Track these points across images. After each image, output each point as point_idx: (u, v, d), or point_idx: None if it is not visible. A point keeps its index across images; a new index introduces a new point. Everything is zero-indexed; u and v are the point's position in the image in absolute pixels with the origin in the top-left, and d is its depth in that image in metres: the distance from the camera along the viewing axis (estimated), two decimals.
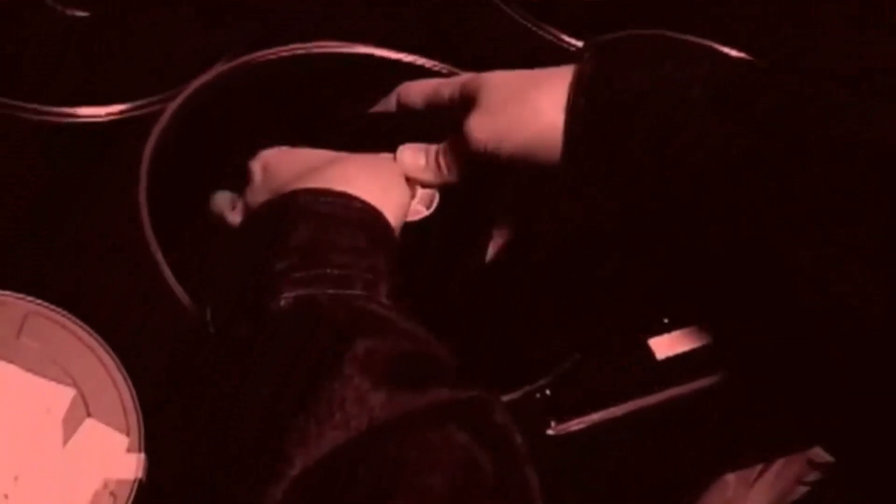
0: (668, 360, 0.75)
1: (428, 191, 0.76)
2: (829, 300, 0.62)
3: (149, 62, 0.88)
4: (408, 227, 0.74)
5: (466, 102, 0.70)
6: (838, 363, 0.63)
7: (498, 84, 0.69)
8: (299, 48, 0.88)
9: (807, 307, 0.64)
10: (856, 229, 0.60)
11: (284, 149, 0.71)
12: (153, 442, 0.65)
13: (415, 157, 0.72)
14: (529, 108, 0.66)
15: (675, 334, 0.75)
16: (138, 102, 0.84)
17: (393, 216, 0.64)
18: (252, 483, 0.48)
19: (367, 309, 0.55)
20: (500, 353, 0.70)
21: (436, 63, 0.91)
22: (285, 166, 0.68)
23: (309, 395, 0.49)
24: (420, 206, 0.76)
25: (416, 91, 0.75)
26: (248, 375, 0.54)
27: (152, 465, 0.64)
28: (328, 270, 0.56)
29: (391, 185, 0.68)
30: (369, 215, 0.61)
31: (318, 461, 0.47)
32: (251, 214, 0.67)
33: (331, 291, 0.55)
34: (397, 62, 0.90)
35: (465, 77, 0.72)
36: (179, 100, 0.82)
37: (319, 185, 0.62)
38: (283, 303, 0.55)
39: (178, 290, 0.69)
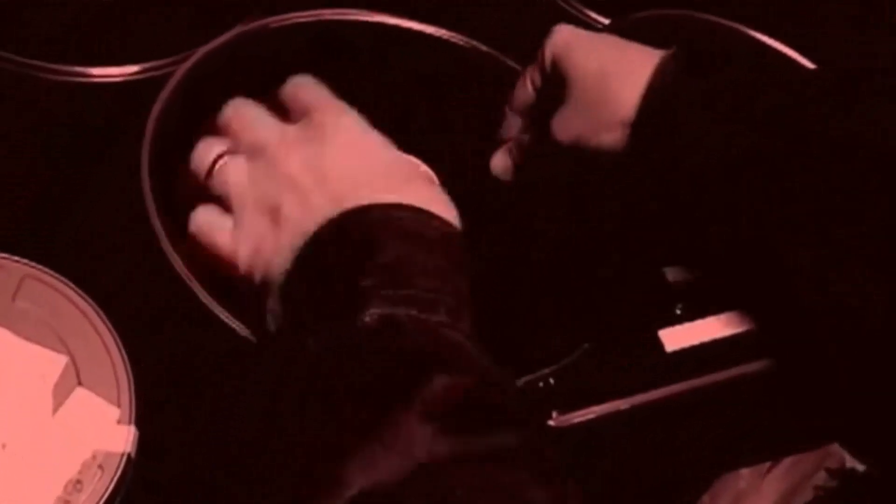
0: (677, 353, 0.73)
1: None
2: (829, 300, 0.62)
3: (170, 23, 0.87)
4: None
5: (552, 92, 0.72)
6: (838, 363, 0.64)
7: (583, 75, 0.71)
8: (311, 15, 0.88)
9: (807, 307, 0.64)
10: (856, 229, 0.60)
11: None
12: (145, 417, 0.64)
13: (504, 160, 0.73)
14: (610, 111, 0.69)
15: (687, 326, 0.74)
16: (152, 63, 0.83)
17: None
18: (304, 497, 0.48)
19: (449, 339, 0.54)
20: (499, 352, 0.69)
21: (453, 34, 0.91)
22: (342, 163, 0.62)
23: (379, 421, 0.48)
24: None
25: (516, 102, 0.77)
26: (313, 386, 0.52)
27: (143, 441, 0.63)
28: (415, 292, 0.54)
29: (440, 189, 0.63)
30: (450, 236, 0.58)
31: (376, 485, 0.47)
32: (320, 230, 0.58)
33: (416, 314, 0.54)
34: (411, 31, 0.91)
35: (547, 59, 0.73)
36: (187, 64, 0.82)
37: (395, 198, 0.57)
38: (368, 318, 0.53)
39: (182, 268, 0.69)
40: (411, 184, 0.59)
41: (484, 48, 0.91)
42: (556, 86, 0.73)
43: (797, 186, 0.62)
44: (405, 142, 0.79)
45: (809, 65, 0.82)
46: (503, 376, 0.53)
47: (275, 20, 0.88)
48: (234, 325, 0.69)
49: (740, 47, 0.88)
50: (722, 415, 0.73)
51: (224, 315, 0.69)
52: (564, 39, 0.73)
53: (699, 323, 0.75)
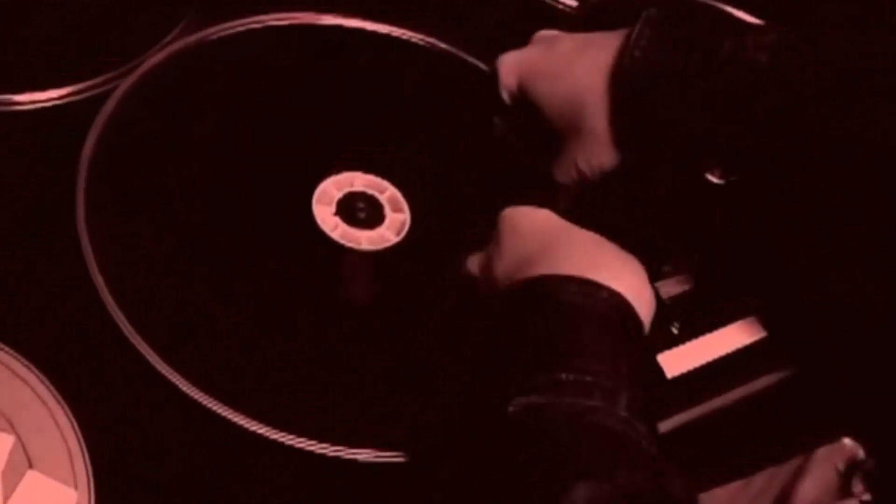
0: (679, 378, 0.69)
1: (399, 217, 0.76)
2: (829, 300, 0.63)
3: (93, 40, 0.81)
4: (378, 256, 0.75)
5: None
6: (838, 363, 0.64)
7: (550, 106, 0.70)
8: (255, 21, 0.85)
9: (807, 307, 0.65)
10: (856, 229, 0.60)
11: (528, 210, 0.65)
12: (105, 496, 0.58)
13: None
14: (592, 137, 0.68)
15: (686, 347, 0.69)
16: (84, 84, 0.78)
17: (646, 311, 0.59)
18: None
19: (601, 427, 0.51)
20: None
21: (405, 31, 0.89)
22: (530, 233, 0.62)
23: None
24: (389, 234, 0.76)
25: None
26: (461, 480, 0.52)
27: None
28: (565, 376, 0.52)
29: (642, 276, 0.60)
30: (618, 309, 0.56)
31: None
32: (497, 295, 0.61)
33: (566, 401, 0.52)
34: (364, 31, 0.88)
35: (511, 94, 0.72)
36: (127, 83, 0.78)
37: (565, 268, 0.57)
38: (511, 409, 0.51)
39: (127, 327, 0.65)
40: (586, 253, 0.59)
41: (443, 45, 0.89)
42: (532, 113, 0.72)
43: (797, 186, 0.62)
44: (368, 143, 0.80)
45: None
46: (666, 466, 0.50)
47: (218, 29, 0.84)
48: (186, 389, 0.64)
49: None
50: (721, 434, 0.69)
51: (174, 377, 0.64)
52: (517, 70, 0.72)
53: (698, 342, 0.70)
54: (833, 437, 0.66)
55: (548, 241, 0.61)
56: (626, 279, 0.58)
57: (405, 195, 0.78)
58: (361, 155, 0.78)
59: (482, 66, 0.85)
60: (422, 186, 0.78)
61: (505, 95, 0.72)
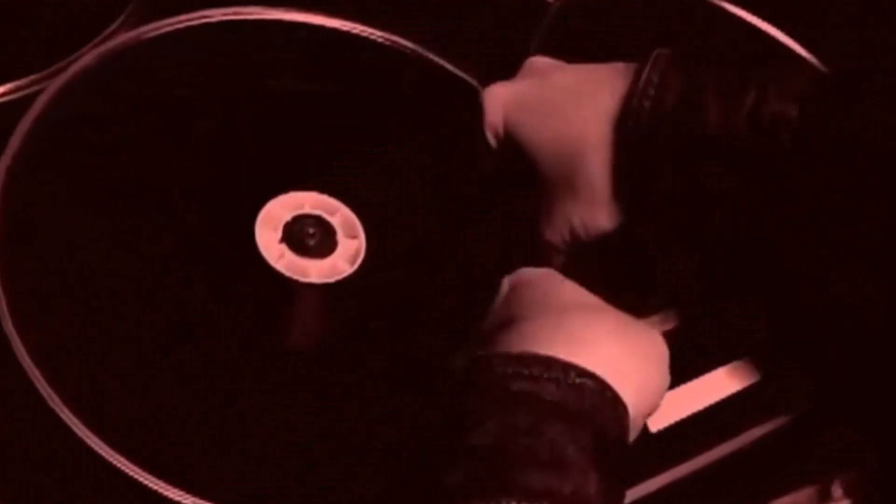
0: (664, 432, 0.62)
1: (354, 243, 0.70)
2: (829, 300, 0.61)
3: (16, 36, 0.75)
4: (328, 288, 0.68)
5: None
6: (838, 363, 0.63)
7: (540, 151, 0.65)
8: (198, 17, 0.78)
9: (807, 307, 0.63)
10: (856, 229, 0.59)
11: (547, 272, 0.58)
12: None
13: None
14: (587, 191, 0.64)
15: (671, 395, 0.59)
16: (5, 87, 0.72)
17: (642, 409, 0.51)
18: None
19: None
20: None
21: (366, 29, 0.82)
22: (530, 297, 0.55)
23: None
24: (344, 264, 0.69)
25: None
26: None
27: None
28: (513, 501, 0.43)
29: (650, 361, 0.52)
30: (598, 405, 0.47)
31: None
32: (459, 370, 0.52)
33: None
34: (323, 28, 0.81)
35: (496, 133, 0.67)
36: (54, 86, 0.71)
37: (539, 345, 0.48)
38: None
39: (47, 391, 0.59)
40: (575, 325, 0.51)
41: (408, 44, 0.82)
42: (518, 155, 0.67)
43: (797, 186, 0.60)
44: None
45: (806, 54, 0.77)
46: None
47: (158, 25, 0.77)
48: (112, 460, 0.58)
49: (721, 28, 0.79)
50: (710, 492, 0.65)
51: (100, 447, 0.58)
52: (504, 108, 0.66)
53: (684, 389, 0.64)
54: (826, 480, 0.64)
55: (532, 307, 0.53)
56: (619, 360, 0.49)
57: (361, 218, 0.70)
58: (314, 172, 0.71)
59: (457, 72, 0.80)
60: (379, 208, 0.71)
61: (490, 137, 0.67)
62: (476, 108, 0.66)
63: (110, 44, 0.74)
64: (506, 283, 0.57)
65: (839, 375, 0.63)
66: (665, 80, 0.61)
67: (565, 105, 0.64)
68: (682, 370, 0.63)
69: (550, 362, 0.47)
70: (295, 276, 0.68)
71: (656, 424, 0.62)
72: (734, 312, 0.67)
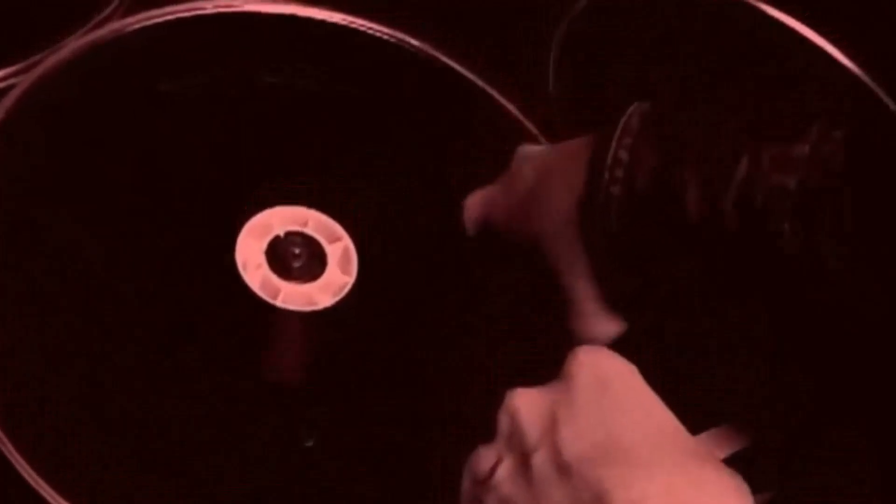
0: None
1: (343, 279, 0.65)
2: (829, 300, 0.58)
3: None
4: (307, 318, 0.63)
5: None
6: (839, 363, 0.61)
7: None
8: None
9: (807, 307, 0.60)
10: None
11: (618, 366, 0.51)
12: None
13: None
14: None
15: None
16: None
17: None
18: None
19: None
20: None
21: (355, 20, 0.78)
22: (621, 410, 0.49)
23: None
24: (320, 295, 0.65)
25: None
26: None
27: None
28: None
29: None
30: None
31: None
32: None
33: None
34: (325, 24, 0.77)
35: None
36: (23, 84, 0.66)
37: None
38: None
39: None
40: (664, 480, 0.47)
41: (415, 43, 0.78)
42: None
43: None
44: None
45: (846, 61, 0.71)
46: None
47: (148, 16, 0.73)
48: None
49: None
50: None
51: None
52: (481, 217, 0.64)
53: None
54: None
55: (652, 438, 0.48)
56: None
57: (360, 250, 0.65)
58: (319, 185, 0.67)
59: (465, 71, 0.76)
60: (383, 243, 0.67)
61: (469, 227, 0.64)
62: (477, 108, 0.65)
63: (90, 36, 0.70)
64: (586, 368, 0.50)
65: (840, 375, 0.62)
66: (636, 154, 0.53)
67: (531, 205, 0.59)
68: (683, 370, 0.61)
69: None
70: (261, 294, 0.64)
71: None
72: (734, 312, 0.65)
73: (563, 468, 0.47)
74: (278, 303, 0.64)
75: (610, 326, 0.59)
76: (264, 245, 0.65)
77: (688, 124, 0.54)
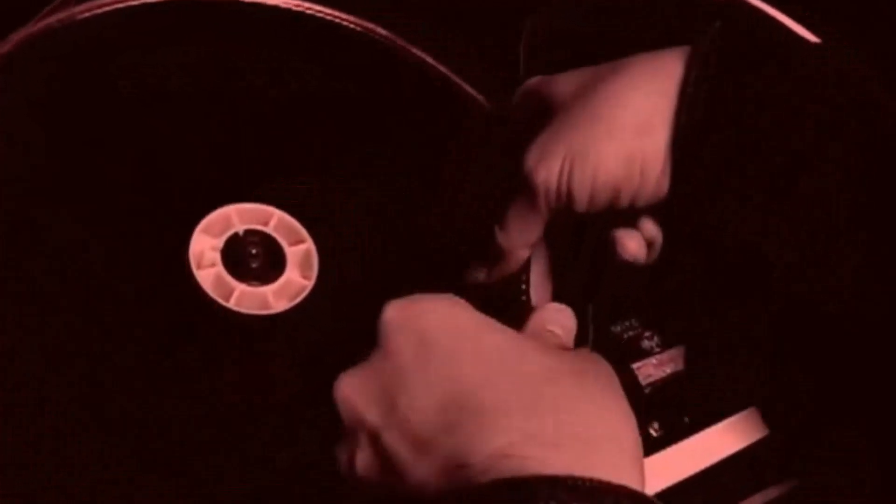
0: (660, 496, 0.55)
1: (302, 283, 0.62)
2: (829, 299, 0.58)
3: None
4: (262, 321, 0.60)
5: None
6: (839, 363, 0.61)
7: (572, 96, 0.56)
8: None
9: (807, 306, 0.60)
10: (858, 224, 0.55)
11: (450, 303, 0.48)
12: None
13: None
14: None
15: (668, 454, 0.56)
16: None
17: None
18: None
19: None
20: None
21: (338, 14, 0.75)
22: (413, 409, 0.45)
23: None
24: (273, 299, 0.62)
25: None
26: None
27: None
28: None
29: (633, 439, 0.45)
30: None
31: None
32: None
33: None
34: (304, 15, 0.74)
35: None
36: None
37: (560, 462, 0.41)
38: None
39: None
40: (581, 422, 0.43)
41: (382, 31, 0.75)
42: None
43: None
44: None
45: None
46: None
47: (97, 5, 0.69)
48: None
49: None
50: None
51: None
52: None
53: (684, 446, 0.58)
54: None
55: (492, 376, 0.45)
56: (634, 458, 0.43)
57: (322, 254, 0.62)
58: (287, 183, 0.64)
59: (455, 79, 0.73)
60: (350, 250, 0.63)
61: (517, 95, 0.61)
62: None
63: (35, 27, 0.67)
64: (392, 326, 0.48)
65: (840, 375, 0.61)
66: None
67: (611, 70, 0.56)
68: (691, 401, 0.60)
69: (600, 489, 0.40)
70: (212, 294, 0.61)
71: (652, 488, 0.54)
72: (734, 312, 0.65)
73: (417, 444, 0.44)
74: (230, 304, 0.61)
75: (631, 158, 0.55)
76: (220, 243, 0.62)
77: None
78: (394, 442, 0.45)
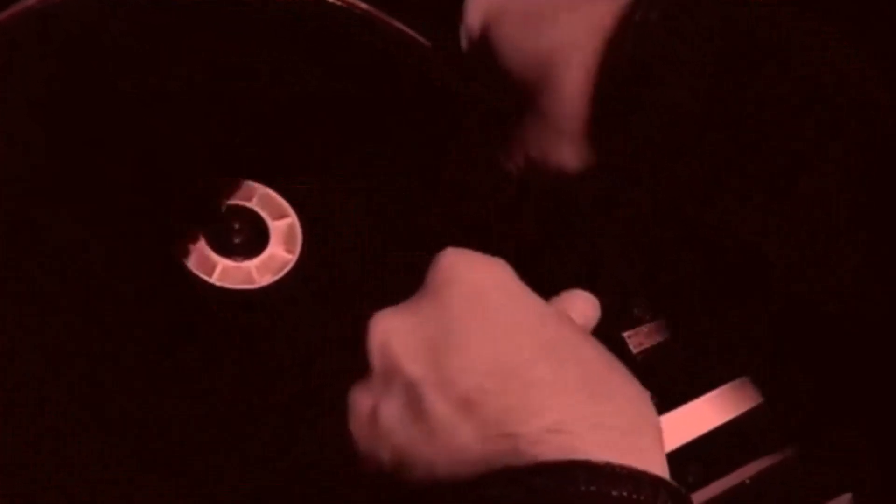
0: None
1: (284, 256, 0.61)
2: (828, 299, 0.57)
3: None
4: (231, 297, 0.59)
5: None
6: (839, 363, 0.61)
7: (517, 60, 0.54)
8: None
9: (807, 306, 0.60)
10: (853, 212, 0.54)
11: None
12: None
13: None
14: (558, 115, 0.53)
15: (662, 421, 0.54)
16: None
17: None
18: None
19: None
20: None
21: None
22: (463, 367, 0.43)
23: None
24: (256, 273, 0.60)
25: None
26: None
27: None
28: None
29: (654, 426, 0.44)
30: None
31: None
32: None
33: None
34: None
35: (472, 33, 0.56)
36: None
37: (576, 447, 0.40)
38: None
39: None
40: (609, 409, 0.42)
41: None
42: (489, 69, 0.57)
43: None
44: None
45: None
46: None
47: None
48: None
49: None
50: None
51: None
52: (486, 6, 0.57)
53: (678, 413, 0.58)
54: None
55: (550, 350, 0.43)
56: (661, 445, 0.43)
57: (305, 230, 0.62)
58: (268, 161, 0.64)
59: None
60: (334, 225, 0.63)
61: (463, 39, 0.58)
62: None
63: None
64: (448, 275, 0.45)
65: (840, 375, 0.62)
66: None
67: (555, 10, 0.54)
68: (682, 370, 0.61)
69: (639, 479, 0.40)
70: (195, 271, 0.60)
71: None
72: (734, 312, 0.65)
73: (462, 405, 0.42)
74: (214, 280, 0.60)
75: (577, 154, 0.54)
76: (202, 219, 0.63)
77: None
78: (437, 399, 0.42)
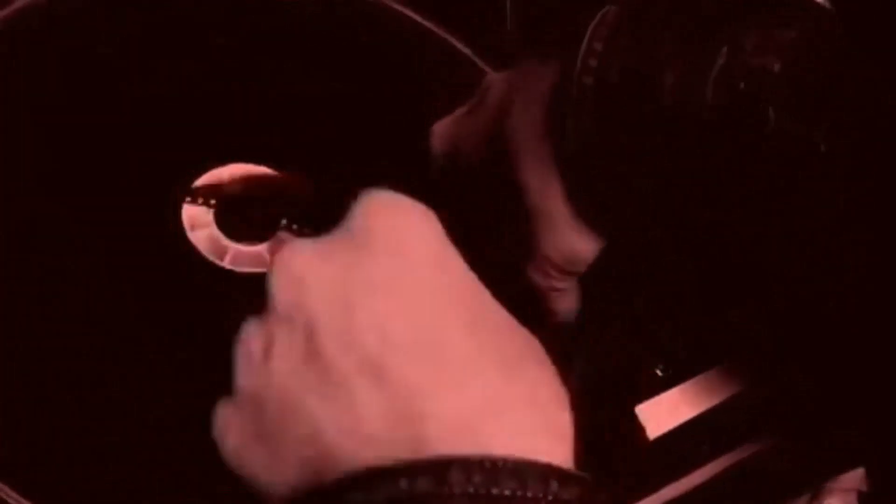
0: (664, 439, 0.55)
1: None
2: (828, 299, 0.57)
3: None
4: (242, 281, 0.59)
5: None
6: (838, 362, 0.61)
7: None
8: None
9: (807, 306, 0.59)
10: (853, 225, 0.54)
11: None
12: None
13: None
14: None
15: (673, 394, 0.56)
16: None
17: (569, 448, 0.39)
18: None
19: None
20: None
21: None
22: (375, 327, 0.38)
23: None
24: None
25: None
26: None
27: None
28: None
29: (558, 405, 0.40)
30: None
31: None
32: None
33: None
34: None
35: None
36: None
37: (482, 443, 0.36)
38: None
39: None
40: (520, 393, 0.38)
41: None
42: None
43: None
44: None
45: None
46: None
47: None
48: None
49: None
50: None
51: None
52: (448, 144, 0.58)
53: (688, 386, 0.57)
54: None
55: (474, 327, 0.39)
56: (562, 422, 0.39)
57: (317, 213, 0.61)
58: (276, 144, 0.64)
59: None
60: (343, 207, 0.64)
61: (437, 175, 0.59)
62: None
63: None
64: (377, 219, 0.41)
65: (840, 375, 0.61)
66: (611, 44, 0.47)
67: (497, 121, 0.54)
68: (682, 370, 0.60)
69: (525, 472, 0.35)
70: (208, 256, 0.60)
71: (655, 430, 0.56)
72: (734, 312, 0.65)
73: (368, 367, 0.38)
74: (225, 264, 0.60)
75: (588, 243, 0.54)
76: (214, 201, 0.63)
77: (667, 13, 0.47)
78: (342, 356, 0.38)
